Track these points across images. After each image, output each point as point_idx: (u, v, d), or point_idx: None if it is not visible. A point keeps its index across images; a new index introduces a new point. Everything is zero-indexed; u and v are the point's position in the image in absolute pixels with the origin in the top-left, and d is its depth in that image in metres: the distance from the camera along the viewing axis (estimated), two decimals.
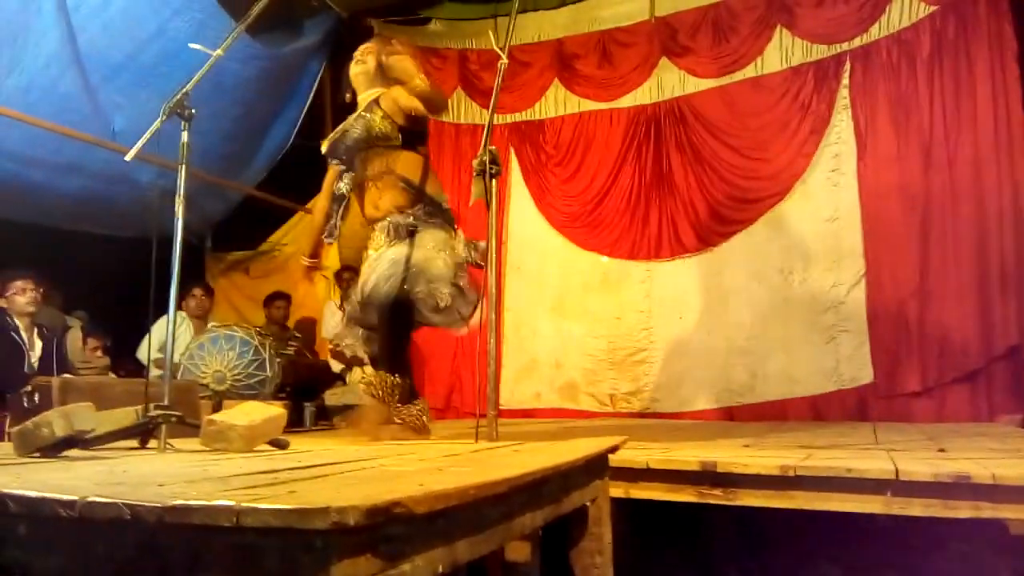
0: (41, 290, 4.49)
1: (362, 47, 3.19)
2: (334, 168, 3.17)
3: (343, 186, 3.09)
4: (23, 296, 4.36)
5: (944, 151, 4.87)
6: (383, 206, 2.98)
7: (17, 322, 4.35)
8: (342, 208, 3.10)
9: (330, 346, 6.06)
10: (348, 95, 3.18)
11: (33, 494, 1.08)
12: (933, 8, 4.98)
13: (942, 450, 2.69)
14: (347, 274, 6.26)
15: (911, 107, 5.00)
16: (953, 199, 4.83)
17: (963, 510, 2.07)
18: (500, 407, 2.97)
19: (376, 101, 3.03)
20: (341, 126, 3.14)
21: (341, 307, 6.08)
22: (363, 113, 3.04)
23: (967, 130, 4.81)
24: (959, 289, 4.76)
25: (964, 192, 4.79)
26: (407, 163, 3.00)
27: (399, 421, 2.90)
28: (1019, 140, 4.66)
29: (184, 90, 2.36)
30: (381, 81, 3.09)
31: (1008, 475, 2.01)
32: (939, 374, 4.78)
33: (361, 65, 3.12)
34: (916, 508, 2.12)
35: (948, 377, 4.76)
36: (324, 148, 3.16)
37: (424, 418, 2.97)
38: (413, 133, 3.04)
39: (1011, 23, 4.72)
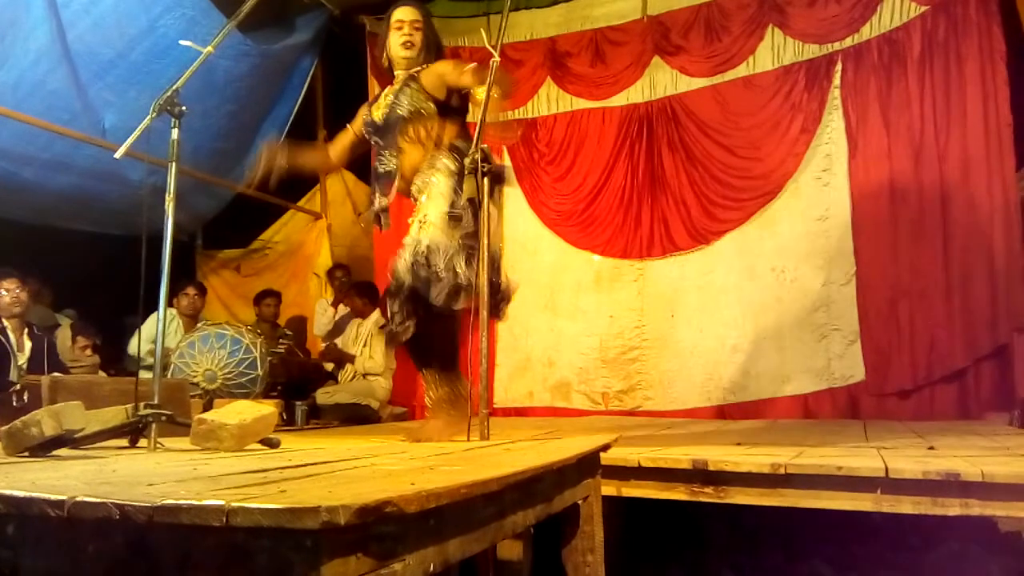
0: (27, 290, 4.44)
1: (406, 19, 2.99)
2: (352, 129, 3.10)
3: (385, 164, 2.95)
4: (7, 296, 4.31)
5: (934, 150, 4.89)
6: (412, 163, 2.86)
7: (4, 323, 4.31)
8: (391, 192, 2.93)
9: (321, 345, 6.05)
10: (386, 62, 3.05)
11: (22, 494, 1.07)
12: (924, 8, 5.00)
13: (932, 448, 2.70)
14: (339, 272, 6.27)
15: (902, 107, 5.02)
16: (943, 198, 4.85)
17: (953, 507, 2.08)
18: (493, 406, 2.96)
19: (416, 75, 2.94)
20: (383, 98, 3.00)
21: (334, 306, 6.07)
22: (403, 88, 2.94)
23: (957, 130, 4.83)
24: (948, 287, 4.78)
25: (954, 191, 4.82)
26: (443, 128, 2.88)
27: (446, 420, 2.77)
28: (1008, 140, 4.68)
29: (175, 87, 2.34)
30: (423, 55, 2.98)
31: (997, 473, 2.03)
32: (929, 372, 4.81)
33: (404, 37, 2.97)
34: (906, 506, 2.13)
35: (938, 375, 4.79)
36: (377, 118, 2.97)
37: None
38: (452, 108, 2.93)
39: (1000, 24, 4.74)
